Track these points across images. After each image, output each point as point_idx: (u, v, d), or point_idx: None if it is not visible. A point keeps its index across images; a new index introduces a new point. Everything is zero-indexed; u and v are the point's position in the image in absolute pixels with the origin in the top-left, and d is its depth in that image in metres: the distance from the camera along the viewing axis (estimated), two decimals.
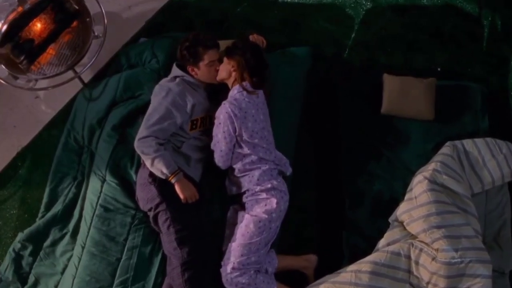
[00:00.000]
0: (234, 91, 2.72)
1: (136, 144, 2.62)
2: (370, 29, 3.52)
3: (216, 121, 2.69)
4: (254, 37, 2.90)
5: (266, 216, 2.63)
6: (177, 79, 2.76)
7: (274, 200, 2.65)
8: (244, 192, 2.74)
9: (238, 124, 2.64)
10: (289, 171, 2.84)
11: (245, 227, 2.63)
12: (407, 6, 3.58)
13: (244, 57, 2.71)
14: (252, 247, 2.61)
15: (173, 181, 2.61)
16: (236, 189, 2.77)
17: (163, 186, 2.63)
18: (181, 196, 2.63)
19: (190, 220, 2.64)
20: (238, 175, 2.74)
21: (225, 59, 2.75)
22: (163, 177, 2.60)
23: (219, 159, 2.71)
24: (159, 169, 2.59)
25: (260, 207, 2.65)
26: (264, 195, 2.67)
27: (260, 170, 2.69)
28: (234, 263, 2.61)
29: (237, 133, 2.66)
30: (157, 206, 2.63)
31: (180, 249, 2.58)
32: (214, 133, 2.71)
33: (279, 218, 2.69)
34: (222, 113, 2.66)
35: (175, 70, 2.80)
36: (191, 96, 2.72)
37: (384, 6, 3.57)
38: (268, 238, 2.67)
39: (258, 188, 2.68)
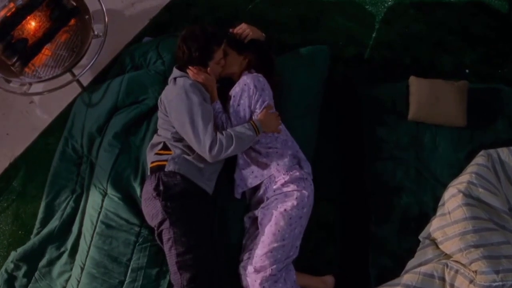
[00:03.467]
0: (244, 77, 2.63)
1: (213, 159, 2.47)
2: (392, 28, 3.42)
3: (230, 95, 2.61)
4: (242, 27, 2.79)
5: (297, 211, 2.49)
6: (181, 78, 2.62)
7: (305, 193, 2.52)
8: (263, 186, 2.58)
9: (256, 97, 2.56)
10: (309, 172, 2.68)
11: (275, 226, 2.47)
12: (432, 3, 3.50)
13: (253, 45, 2.70)
14: (285, 248, 2.46)
15: (261, 130, 2.54)
16: (250, 182, 2.60)
17: (168, 201, 2.45)
18: (272, 131, 2.59)
19: (195, 242, 2.43)
20: (255, 160, 2.60)
21: (232, 52, 2.68)
22: (254, 138, 2.52)
23: None
24: (248, 141, 2.51)
25: (290, 200, 2.50)
26: (294, 187, 2.52)
27: (284, 156, 2.57)
28: (271, 269, 2.43)
29: (252, 107, 2.57)
30: (160, 223, 2.46)
31: (180, 274, 2.38)
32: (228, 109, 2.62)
33: (307, 215, 2.54)
34: (240, 85, 2.59)
35: (176, 72, 2.67)
36: (202, 87, 2.63)
37: (407, 3, 3.48)
38: (296, 239, 2.51)
39: (287, 177, 2.53)
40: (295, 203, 2.49)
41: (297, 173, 2.55)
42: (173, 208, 2.44)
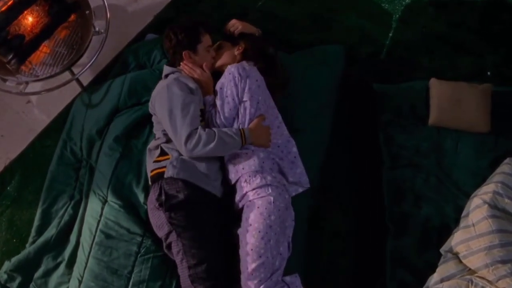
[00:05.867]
0: (229, 66, 2.58)
1: (188, 153, 2.38)
2: (410, 27, 3.35)
3: (217, 88, 2.54)
4: (232, 22, 2.81)
5: (264, 221, 2.31)
6: (172, 74, 2.60)
7: (269, 199, 2.35)
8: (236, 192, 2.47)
9: (242, 85, 2.48)
10: (302, 181, 2.54)
11: (246, 246, 2.31)
12: (451, 1, 3.43)
13: (249, 38, 2.68)
14: (266, 265, 2.28)
15: (249, 141, 2.44)
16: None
17: (172, 211, 2.35)
18: (261, 145, 2.48)
19: (206, 253, 2.33)
20: (230, 160, 2.49)
21: (227, 44, 2.70)
22: (239, 145, 2.43)
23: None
24: (231, 146, 2.41)
25: (253, 212, 2.34)
26: (255, 196, 2.38)
27: (253, 158, 2.43)
28: None
29: (239, 96, 2.49)
30: (167, 235, 2.38)
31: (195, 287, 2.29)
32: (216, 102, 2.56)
33: (278, 221, 2.34)
34: (225, 76, 2.53)
35: (167, 69, 2.66)
36: (191, 81, 2.58)
37: (426, 2, 3.42)
38: (276, 249, 2.34)
39: (248, 185, 2.40)
40: (257, 213, 2.33)
41: (258, 180, 2.40)
42: (178, 219, 2.35)
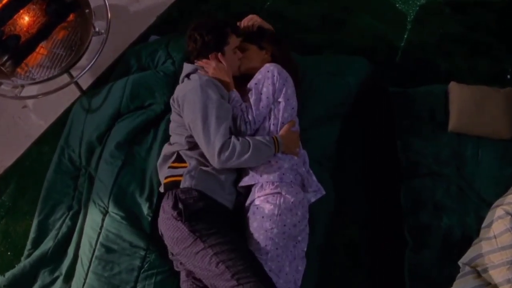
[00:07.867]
0: (267, 64, 2.51)
1: (221, 164, 2.32)
2: (425, 29, 3.33)
3: (251, 84, 2.46)
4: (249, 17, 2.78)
5: (264, 233, 2.24)
6: (195, 74, 2.52)
7: (273, 210, 2.27)
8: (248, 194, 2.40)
9: (279, 86, 2.42)
10: (319, 189, 2.46)
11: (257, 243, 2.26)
12: (468, 1, 3.44)
13: (274, 37, 2.62)
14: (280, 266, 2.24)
15: (281, 148, 2.39)
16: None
17: (192, 220, 2.27)
18: (291, 153, 2.42)
19: (239, 250, 2.25)
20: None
21: (252, 47, 2.60)
22: (272, 154, 2.38)
23: (251, 127, 2.45)
24: (265, 156, 2.36)
25: (256, 222, 2.28)
26: (263, 202, 2.31)
27: (277, 168, 2.34)
28: None
29: (275, 96, 2.43)
30: (192, 247, 2.28)
31: (243, 285, 2.20)
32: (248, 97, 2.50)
33: (284, 235, 2.27)
34: (262, 73, 2.46)
35: (188, 67, 2.56)
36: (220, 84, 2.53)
37: (441, 2, 3.44)
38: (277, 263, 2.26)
39: (261, 192, 2.31)
40: (260, 223, 2.27)
41: (272, 186, 2.32)
42: (201, 226, 2.27)
